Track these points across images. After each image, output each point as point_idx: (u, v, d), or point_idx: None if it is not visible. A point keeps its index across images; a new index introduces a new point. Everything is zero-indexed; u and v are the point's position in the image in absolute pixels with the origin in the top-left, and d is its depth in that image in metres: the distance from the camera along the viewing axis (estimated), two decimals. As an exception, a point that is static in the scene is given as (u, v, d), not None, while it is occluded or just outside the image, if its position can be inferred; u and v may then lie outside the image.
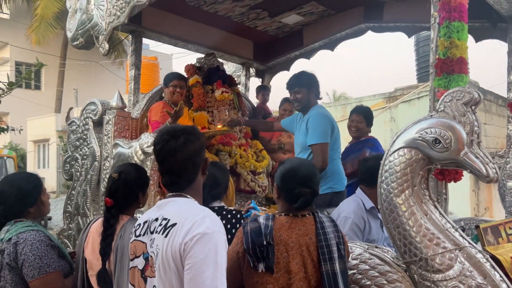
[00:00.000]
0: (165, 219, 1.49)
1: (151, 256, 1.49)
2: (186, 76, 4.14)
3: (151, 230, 1.52)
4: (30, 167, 17.82)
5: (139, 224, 1.60)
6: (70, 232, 3.80)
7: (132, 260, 1.60)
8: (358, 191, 2.82)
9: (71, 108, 4.79)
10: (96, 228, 2.29)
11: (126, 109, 3.82)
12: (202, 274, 1.37)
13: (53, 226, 10.04)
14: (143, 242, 1.54)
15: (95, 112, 3.76)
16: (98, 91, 17.96)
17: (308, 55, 5.06)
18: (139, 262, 1.55)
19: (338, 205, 3.21)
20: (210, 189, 2.31)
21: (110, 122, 3.64)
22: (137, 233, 1.59)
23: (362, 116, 3.79)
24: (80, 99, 17.09)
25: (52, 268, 2.07)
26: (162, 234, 1.46)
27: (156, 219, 1.53)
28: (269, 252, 1.67)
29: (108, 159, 3.59)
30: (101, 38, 3.73)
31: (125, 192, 2.22)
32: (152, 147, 3.18)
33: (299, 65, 5.17)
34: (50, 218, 9.37)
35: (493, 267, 1.86)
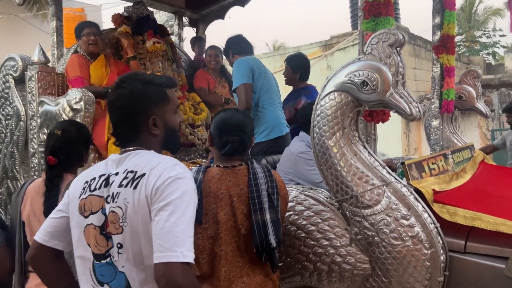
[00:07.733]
0: (131, 171, 1.39)
1: (112, 212, 1.37)
2: (114, 26, 3.91)
3: (111, 184, 1.41)
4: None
5: (94, 178, 1.45)
6: (0, 197, 3.62)
7: (86, 217, 1.43)
8: (302, 133, 2.86)
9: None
10: (34, 189, 2.20)
11: (50, 64, 3.58)
12: (173, 215, 1.27)
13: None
14: (100, 197, 1.42)
15: (15, 68, 3.49)
16: (21, 48, 16.58)
17: (242, 2, 4.88)
18: (96, 219, 1.41)
19: (278, 150, 3.29)
20: None
21: (33, 79, 3.39)
22: (92, 188, 1.44)
23: (287, 64, 3.85)
24: (0, 57, 15.76)
25: None
26: (131, 187, 1.36)
27: (117, 173, 1.42)
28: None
29: (35, 118, 3.38)
30: (14, -15, 3.40)
31: (69, 149, 2.17)
32: (81, 103, 3.09)
33: (234, 13, 5.05)
34: None
35: (416, 199, 2.00)
